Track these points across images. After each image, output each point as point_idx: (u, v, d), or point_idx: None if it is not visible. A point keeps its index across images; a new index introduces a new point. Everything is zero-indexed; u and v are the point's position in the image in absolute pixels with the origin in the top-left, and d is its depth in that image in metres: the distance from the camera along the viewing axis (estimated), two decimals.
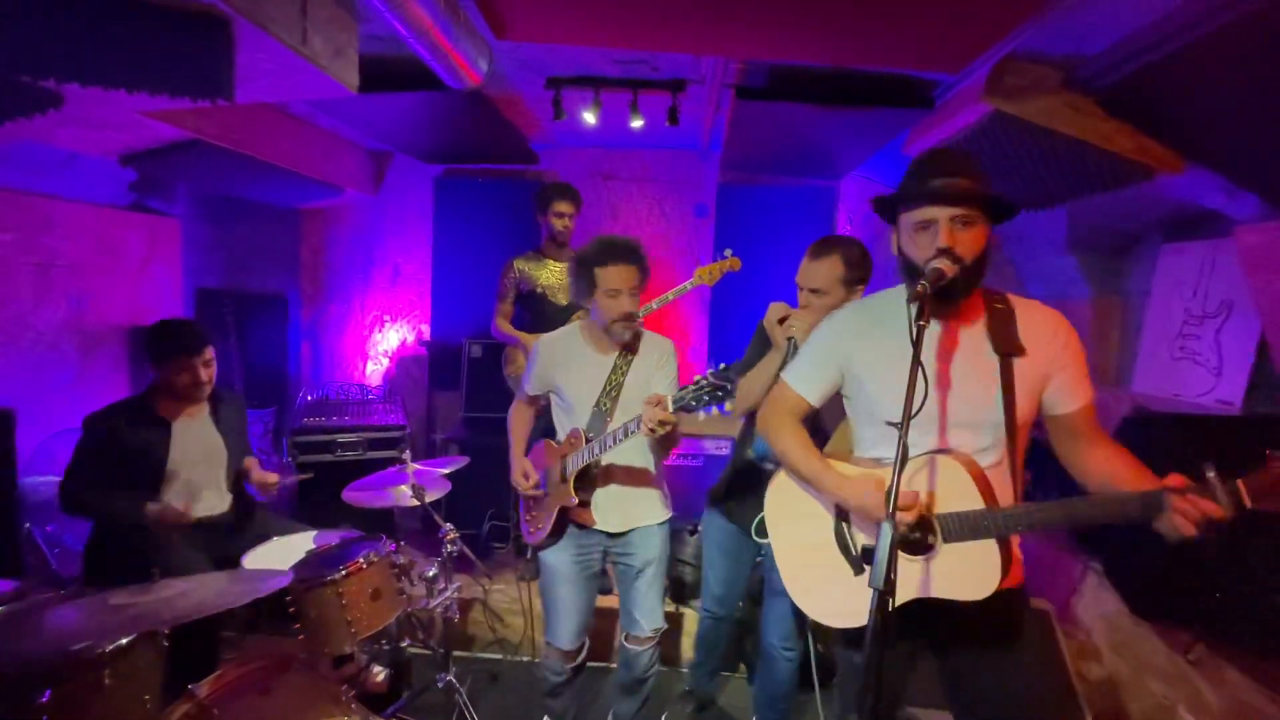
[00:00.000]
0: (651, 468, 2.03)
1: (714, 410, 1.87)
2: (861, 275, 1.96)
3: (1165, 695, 2.15)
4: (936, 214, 1.27)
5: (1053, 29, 1.85)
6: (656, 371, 1.99)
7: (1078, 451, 1.36)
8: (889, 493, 1.13)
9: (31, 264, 2.83)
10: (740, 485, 2.11)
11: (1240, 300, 2.44)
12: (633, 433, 1.77)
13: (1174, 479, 1.15)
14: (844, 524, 1.44)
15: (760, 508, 2.04)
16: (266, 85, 2.09)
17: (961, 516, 1.27)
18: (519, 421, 2.15)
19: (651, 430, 1.67)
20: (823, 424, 1.77)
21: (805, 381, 1.53)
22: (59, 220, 2.93)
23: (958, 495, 1.28)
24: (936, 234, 1.27)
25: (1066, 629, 2.53)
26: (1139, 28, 1.78)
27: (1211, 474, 1.09)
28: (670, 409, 1.65)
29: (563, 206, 3.16)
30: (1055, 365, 1.34)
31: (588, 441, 1.90)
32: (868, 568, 1.31)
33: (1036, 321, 1.36)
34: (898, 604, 1.29)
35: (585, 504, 1.96)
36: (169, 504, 2.16)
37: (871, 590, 1.31)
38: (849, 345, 1.47)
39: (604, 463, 1.95)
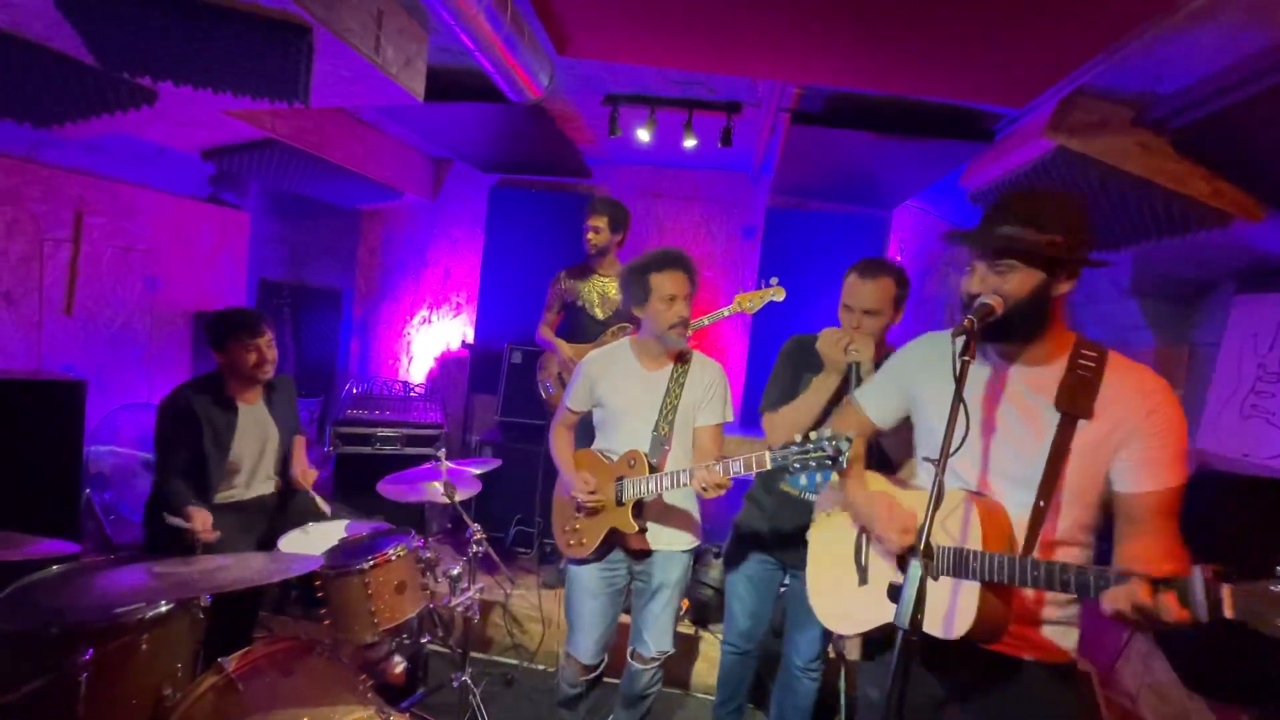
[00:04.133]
0: (692, 501, 2.03)
1: (818, 477, 1.91)
2: (907, 295, 1.93)
3: None
4: (975, 262, 1.28)
5: (1126, 65, 1.79)
6: (706, 395, 1.97)
7: (1122, 541, 1.21)
8: (920, 529, 1.10)
9: (116, 247, 3.04)
10: (779, 518, 2.05)
11: None
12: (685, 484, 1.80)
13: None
14: (864, 535, 1.47)
15: (800, 539, 2.03)
16: (339, 91, 2.21)
17: (950, 551, 1.23)
18: (563, 444, 2.13)
19: (703, 490, 1.72)
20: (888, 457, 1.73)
21: (871, 400, 1.54)
22: (143, 207, 3.14)
23: (967, 534, 1.24)
24: (973, 279, 1.27)
25: (1109, 695, 2.38)
26: (1220, 67, 1.71)
27: (1199, 571, 0.97)
28: (765, 464, 1.63)
29: (593, 220, 3.20)
30: (1131, 437, 1.19)
31: (652, 470, 1.88)
32: (872, 580, 1.41)
33: (1124, 386, 1.22)
34: (882, 620, 1.33)
35: (643, 530, 1.93)
36: (201, 513, 2.11)
37: (866, 598, 1.40)
38: (914, 374, 1.45)
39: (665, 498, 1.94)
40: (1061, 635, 1.29)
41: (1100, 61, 1.76)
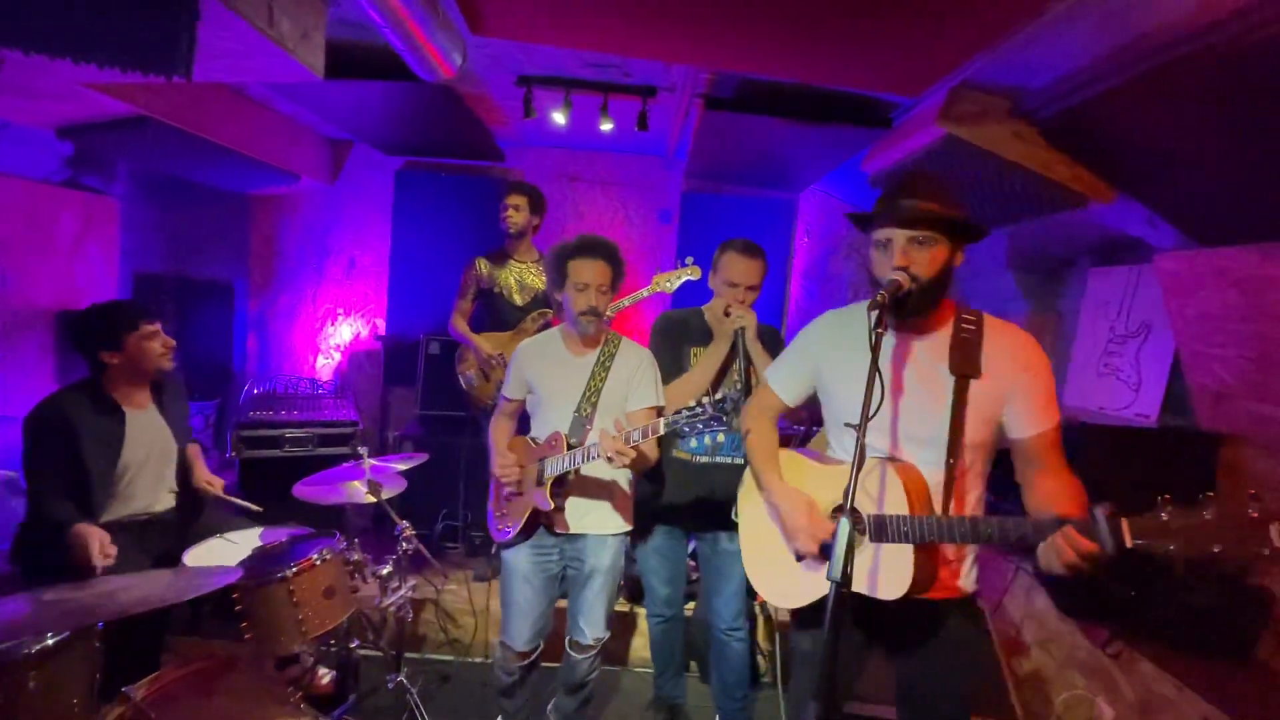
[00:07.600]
0: (622, 482, 2.04)
1: (706, 439, 2.07)
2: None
3: (1085, 686, 2.31)
4: (894, 234, 1.33)
5: (1003, 61, 1.98)
6: (634, 379, 2.00)
7: (1028, 478, 1.37)
8: (846, 491, 1.16)
9: None
10: (672, 483, 2.18)
11: (1158, 322, 2.65)
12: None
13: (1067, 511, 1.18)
14: None
15: (697, 502, 2.15)
16: (227, 65, 2.02)
17: (882, 519, 1.31)
18: (500, 433, 2.14)
19: (609, 459, 1.73)
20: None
21: (784, 383, 1.62)
22: None
23: (891, 500, 1.33)
24: (893, 253, 1.32)
25: (999, 626, 2.68)
26: (1080, 65, 1.93)
27: (1099, 512, 1.09)
28: (660, 429, 1.70)
29: (511, 199, 3.15)
30: (1014, 390, 1.34)
31: (569, 448, 1.90)
32: (806, 558, 1.43)
33: (1002, 345, 1.37)
34: (820, 595, 1.38)
35: (560, 509, 1.96)
36: (94, 532, 1.88)
37: (806, 577, 1.45)
38: (823, 351, 1.54)
39: (582, 472, 1.96)
40: (966, 575, 1.44)
41: (982, 57, 1.94)
